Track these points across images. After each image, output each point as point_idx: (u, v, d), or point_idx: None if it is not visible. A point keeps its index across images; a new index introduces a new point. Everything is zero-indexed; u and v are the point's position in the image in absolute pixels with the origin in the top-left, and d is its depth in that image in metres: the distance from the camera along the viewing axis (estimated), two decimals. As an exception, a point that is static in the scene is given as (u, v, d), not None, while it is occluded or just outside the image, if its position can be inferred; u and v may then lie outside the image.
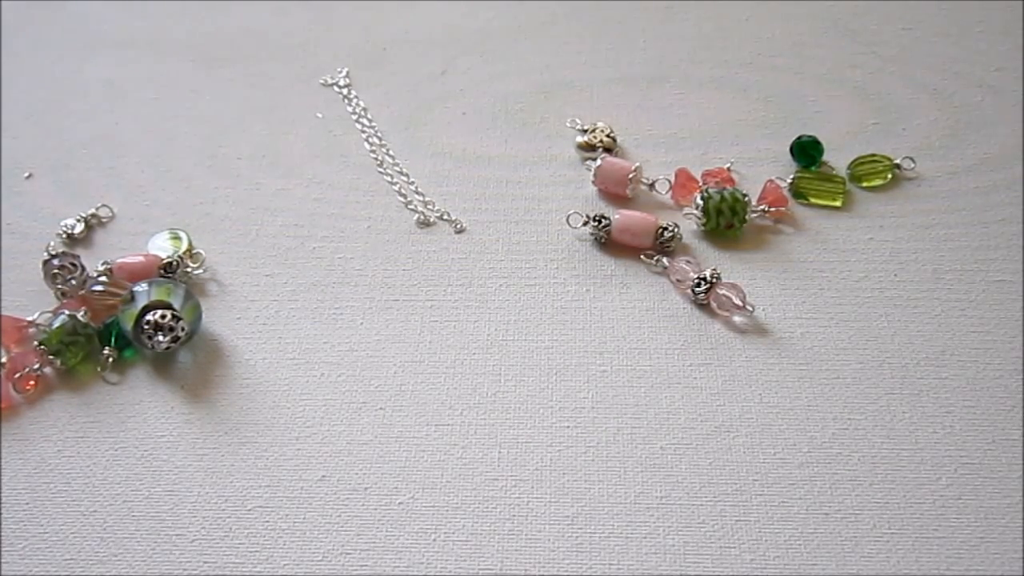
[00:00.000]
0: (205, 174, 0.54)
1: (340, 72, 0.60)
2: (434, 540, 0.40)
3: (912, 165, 0.53)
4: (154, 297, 0.45)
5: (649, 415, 0.44)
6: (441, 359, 0.46)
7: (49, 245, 0.49)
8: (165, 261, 0.48)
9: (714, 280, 0.47)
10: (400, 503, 0.41)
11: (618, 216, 0.50)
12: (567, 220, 0.51)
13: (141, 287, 0.46)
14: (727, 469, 0.42)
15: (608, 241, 0.50)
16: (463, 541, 0.40)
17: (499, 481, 0.42)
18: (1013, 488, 0.41)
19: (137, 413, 0.44)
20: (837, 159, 0.54)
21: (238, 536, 0.40)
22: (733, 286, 0.47)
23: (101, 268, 0.48)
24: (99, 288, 0.47)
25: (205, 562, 0.40)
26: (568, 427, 0.43)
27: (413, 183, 0.54)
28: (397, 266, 0.50)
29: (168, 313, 0.44)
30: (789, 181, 0.52)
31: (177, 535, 0.40)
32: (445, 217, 0.52)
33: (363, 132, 0.57)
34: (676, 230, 0.50)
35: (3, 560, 0.40)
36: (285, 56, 0.61)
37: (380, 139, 0.56)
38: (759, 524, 0.40)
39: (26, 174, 0.55)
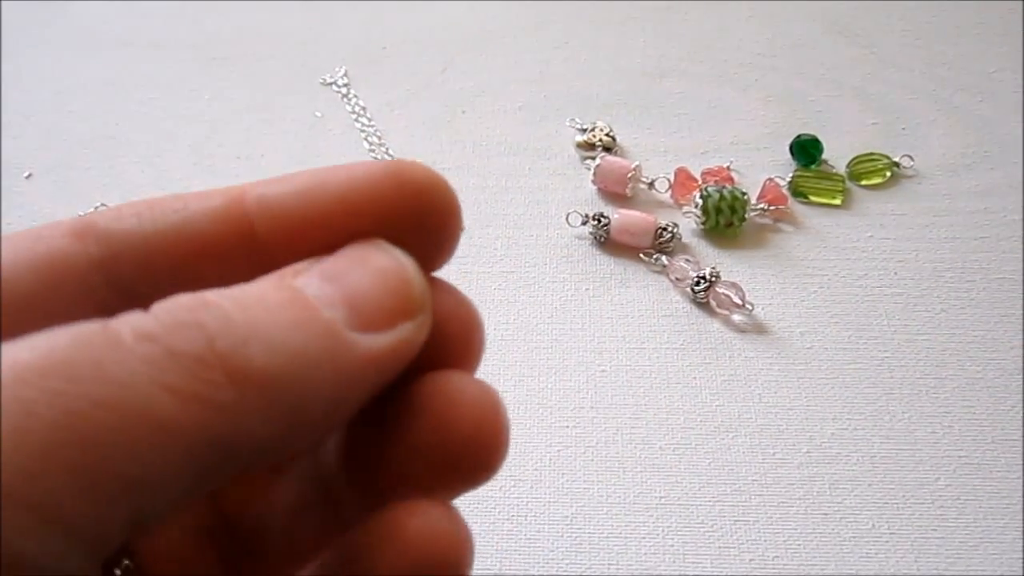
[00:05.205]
0: (204, 173, 0.54)
1: (339, 71, 0.60)
2: (433, 540, 0.40)
3: (911, 163, 0.53)
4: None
5: (648, 415, 0.44)
6: (440, 359, 0.46)
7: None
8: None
9: (713, 279, 0.47)
10: (399, 503, 0.41)
11: (617, 215, 0.50)
12: (566, 219, 0.51)
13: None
14: (727, 469, 0.42)
15: (607, 240, 0.50)
16: (462, 541, 0.40)
17: (498, 481, 0.41)
18: (1013, 488, 0.41)
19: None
20: (837, 158, 0.54)
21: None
22: (732, 284, 0.47)
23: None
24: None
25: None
26: (567, 427, 0.43)
27: (412, 183, 0.54)
28: (396, 266, 0.50)
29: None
30: (788, 179, 0.52)
31: (176, 535, 0.40)
32: (444, 217, 0.52)
33: (362, 131, 0.57)
34: (675, 231, 0.49)
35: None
36: (284, 55, 0.61)
37: (379, 138, 0.56)
38: (759, 524, 0.40)
39: (26, 174, 0.55)
